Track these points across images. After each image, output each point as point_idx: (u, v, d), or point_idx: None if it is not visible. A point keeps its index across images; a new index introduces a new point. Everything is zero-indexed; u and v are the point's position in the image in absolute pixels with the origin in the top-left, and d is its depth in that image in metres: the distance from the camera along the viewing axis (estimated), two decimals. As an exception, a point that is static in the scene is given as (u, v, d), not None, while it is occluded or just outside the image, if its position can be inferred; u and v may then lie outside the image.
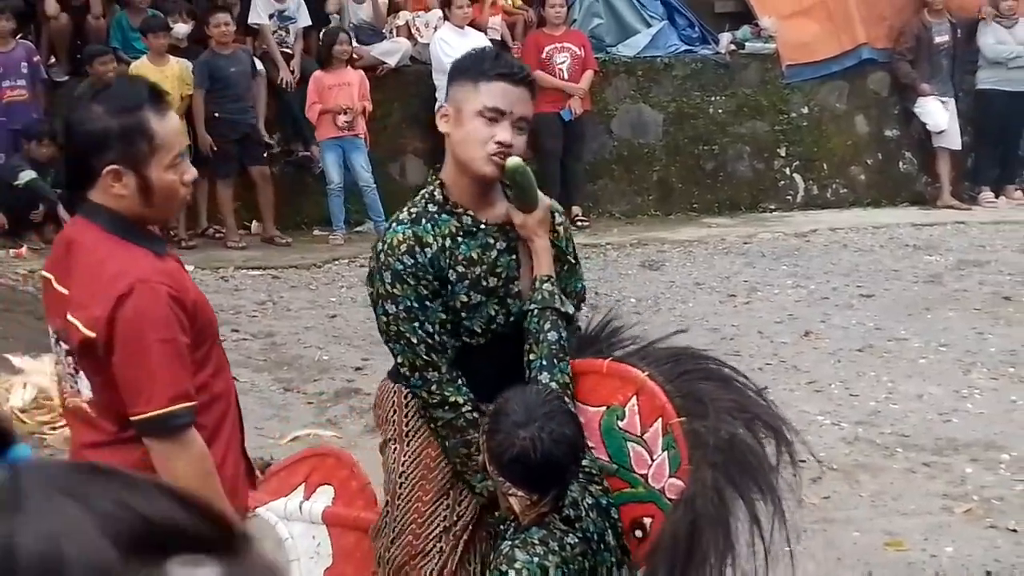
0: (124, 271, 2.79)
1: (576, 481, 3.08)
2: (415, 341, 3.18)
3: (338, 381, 7.22)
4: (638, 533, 3.19)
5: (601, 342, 3.46)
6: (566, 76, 11.50)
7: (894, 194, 12.98)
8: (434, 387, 3.19)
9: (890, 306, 8.89)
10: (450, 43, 11.11)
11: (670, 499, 3.14)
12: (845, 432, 6.31)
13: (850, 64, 12.78)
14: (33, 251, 9.88)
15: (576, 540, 2.99)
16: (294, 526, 3.60)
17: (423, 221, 3.22)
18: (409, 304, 3.16)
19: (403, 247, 3.17)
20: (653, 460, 3.18)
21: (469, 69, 3.26)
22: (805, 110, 12.80)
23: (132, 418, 2.82)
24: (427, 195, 3.28)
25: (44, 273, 3.02)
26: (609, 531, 3.10)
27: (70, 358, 2.90)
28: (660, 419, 3.16)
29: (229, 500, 2.92)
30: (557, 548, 2.92)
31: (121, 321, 2.75)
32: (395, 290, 3.16)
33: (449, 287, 3.21)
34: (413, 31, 12.04)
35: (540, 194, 3.31)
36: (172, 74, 10.41)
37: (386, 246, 3.19)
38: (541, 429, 2.89)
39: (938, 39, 12.52)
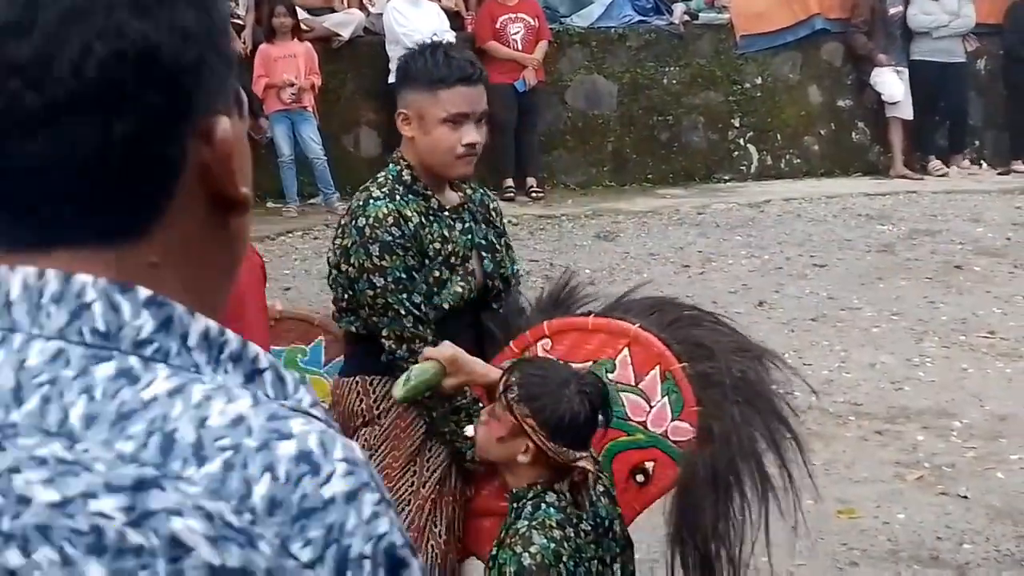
0: None
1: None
2: (403, 312, 3.23)
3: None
4: (639, 478, 3.24)
5: (565, 303, 3.50)
6: (520, 47, 11.45)
7: (847, 164, 13.04)
8: (418, 358, 3.21)
9: (843, 276, 8.95)
10: (404, 13, 11.06)
11: (674, 441, 3.20)
12: (798, 401, 6.32)
13: (803, 34, 12.80)
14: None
15: (589, 527, 2.98)
16: None
17: (397, 197, 3.28)
18: (397, 276, 3.22)
19: (389, 219, 3.23)
20: (652, 406, 3.23)
21: (423, 76, 3.31)
22: (759, 80, 12.82)
23: None
24: (392, 175, 3.33)
25: None
26: (617, 520, 3.10)
27: None
28: (658, 366, 3.21)
29: None
30: (572, 534, 2.91)
31: None
32: (383, 262, 3.21)
33: (427, 262, 3.27)
34: (365, 2, 11.96)
35: (425, 366, 3.17)
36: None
37: (371, 219, 3.22)
38: (581, 383, 2.93)
39: (892, 10, 12.55)
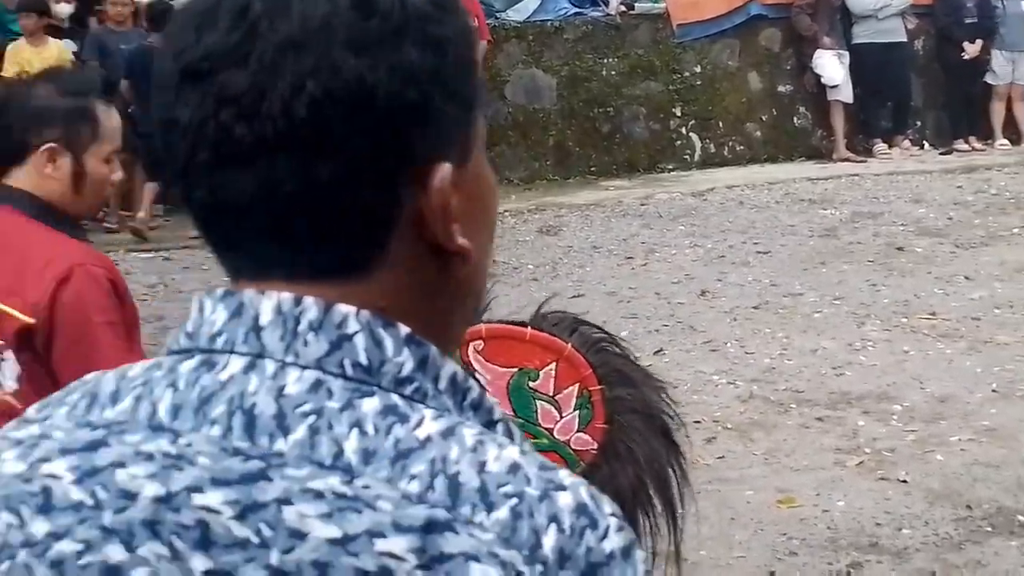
0: (57, 255, 2.71)
1: None
2: None
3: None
4: None
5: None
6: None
7: (790, 149, 13.05)
8: None
9: (786, 262, 8.93)
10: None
11: (574, 450, 3.31)
12: (740, 390, 6.32)
13: (740, 21, 12.81)
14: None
15: None
16: None
17: None
18: None
19: None
20: (562, 417, 3.36)
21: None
22: (698, 69, 12.80)
23: None
24: None
25: None
26: None
27: None
28: (578, 384, 3.32)
29: None
30: None
31: (64, 306, 2.67)
32: None
33: None
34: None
35: None
36: (51, 57, 10.12)
37: None
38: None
39: (835, -7, 12.60)
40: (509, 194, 11.72)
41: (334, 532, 0.83)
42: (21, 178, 2.80)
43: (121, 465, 0.88)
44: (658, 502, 3.52)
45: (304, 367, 0.89)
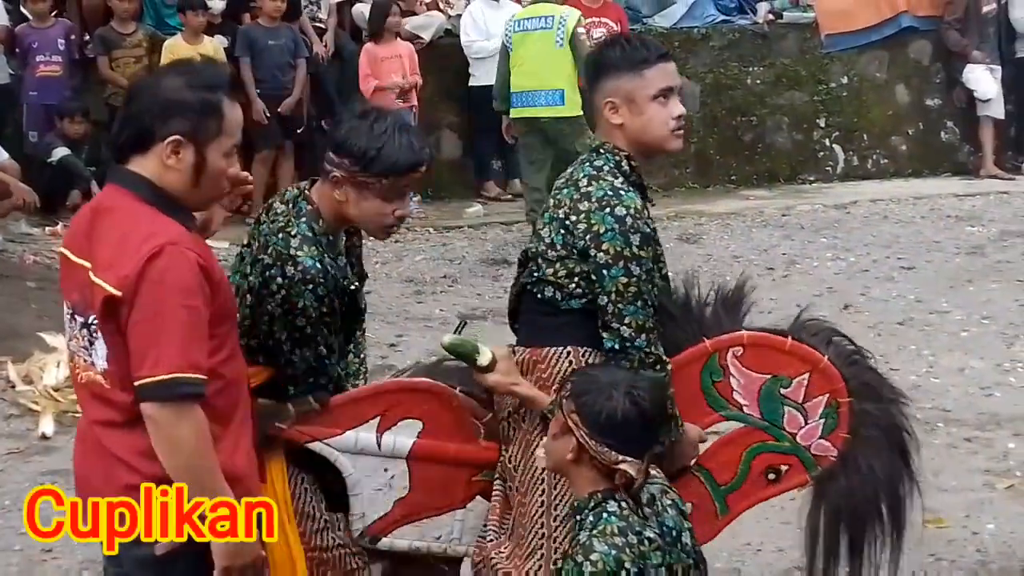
0: (155, 233, 2.75)
1: (655, 481, 3.13)
2: (650, 303, 3.33)
3: (372, 358, 7.13)
4: (771, 476, 3.65)
5: (736, 307, 3.74)
6: (603, 49, 11.36)
7: (936, 164, 12.80)
8: (653, 347, 3.33)
9: (931, 278, 8.77)
10: (484, 15, 11.06)
11: (814, 455, 3.63)
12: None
13: (890, 32, 12.60)
14: (68, 229, 9.85)
15: (654, 535, 2.97)
16: (360, 460, 3.52)
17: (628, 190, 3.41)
18: (649, 267, 3.33)
19: (645, 212, 3.36)
20: (807, 423, 3.62)
21: (624, 61, 3.43)
22: (845, 80, 12.64)
23: (136, 382, 2.72)
24: (609, 167, 3.41)
25: (61, 249, 2.96)
26: (687, 532, 3.10)
27: (85, 331, 2.83)
28: (828, 394, 3.60)
29: (239, 495, 2.83)
30: (635, 541, 2.90)
31: (147, 280, 2.70)
32: (642, 252, 3.30)
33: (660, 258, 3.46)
34: (441, 5, 11.95)
35: (484, 347, 3.47)
36: (206, 53, 10.32)
37: (631, 209, 3.31)
38: (632, 386, 3.00)
39: (986, 8, 12.34)
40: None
41: None
42: (143, 165, 2.84)
43: None
44: (888, 520, 3.73)
45: None
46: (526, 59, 9.49)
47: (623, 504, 2.94)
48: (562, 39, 9.35)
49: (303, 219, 3.35)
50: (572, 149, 8.38)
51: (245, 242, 3.47)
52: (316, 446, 3.48)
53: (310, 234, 3.33)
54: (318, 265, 3.30)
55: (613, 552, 2.85)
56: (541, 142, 9.55)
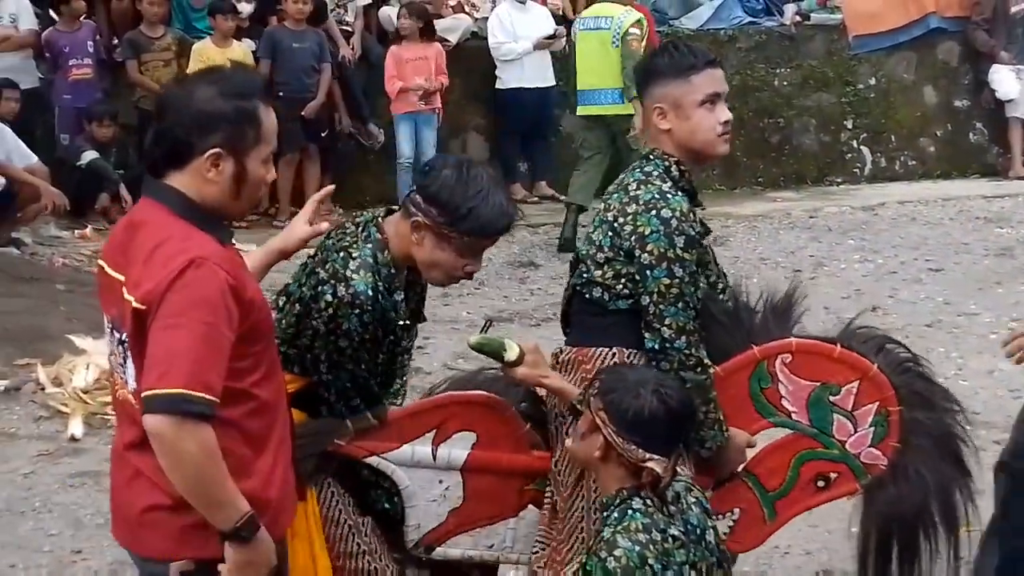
0: (185, 248, 2.66)
1: (681, 479, 3.14)
2: (691, 305, 3.36)
3: (399, 360, 7.18)
4: (820, 483, 3.68)
5: (786, 313, 3.78)
6: (629, 51, 11.37)
7: (964, 166, 12.75)
8: (693, 349, 3.35)
9: (959, 280, 8.74)
10: (511, 17, 11.07)
11: (864, 463, 3.66)
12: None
13: (918, 34, 12.56)
14: (97, 231, 9.93)
15: (678, 532, 2.99)
16: (416, 473, 3.54)
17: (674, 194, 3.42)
18: (692, 270, 3.37)
19: (690, 215, 3.39)
20: (856, 431, 3.65)
21: (672, 67, 3.48)
22: (872, 81, 12.60)
23: (142, 393, 2.60)
24: (658, 172, 3.45)
25: (100, 261, 2.89)
26: (711, 530, 3.12)
27: (121, 347, 2.77)
28: (879, 402, 3.63)
29: (276, 518, 2.77)
30: (659, 538, 2.93)
31: (170, 292, 2.61)
32: (686, 255, 3.34)
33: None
34: (467, 7, 11.96)
35: (511, 343, 3.48)
36: (235, 57, 10.35)
37: (677, 212, 3.35)
38: (660, 385, 3.05)
39: (1015, 8, 12.30)
40: (675, 202, 11.68)
41: None
42: (181, 180, 2.76)
43: None
44: (942, 528, 3.72)
45: None
46: (587, 58, 9.70)
47: (648, 502, 2.97)
48: (617, 39, 9.44)
49: (368, 245, 3.33)
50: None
51: (312, 252, 3.45)
52: (374, 460, 3.50)
53: (371, 261, 3.30)
54: (369, 292, 3.26)
55: (637, 548, 2.87)
56: (604, 137, 9.72)
